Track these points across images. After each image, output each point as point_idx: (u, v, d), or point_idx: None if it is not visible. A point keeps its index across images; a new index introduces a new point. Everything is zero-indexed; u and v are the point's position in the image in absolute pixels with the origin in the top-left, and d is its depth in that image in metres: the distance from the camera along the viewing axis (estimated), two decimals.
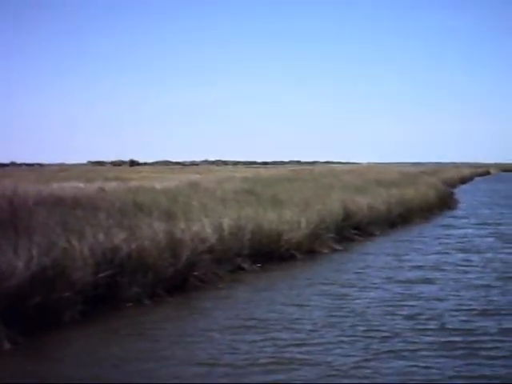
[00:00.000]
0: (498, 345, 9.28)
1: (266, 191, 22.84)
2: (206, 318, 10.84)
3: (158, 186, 27.51)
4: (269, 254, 16.03)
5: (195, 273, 13.16)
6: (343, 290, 13.00)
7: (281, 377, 7.95)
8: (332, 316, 10.92)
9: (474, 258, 17.15)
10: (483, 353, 8.93)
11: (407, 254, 17.76)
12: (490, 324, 10.35)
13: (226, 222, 15.28)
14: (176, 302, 11.95)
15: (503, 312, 11.15)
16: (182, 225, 14.20)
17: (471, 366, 8.38)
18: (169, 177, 40.98)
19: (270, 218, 16.82)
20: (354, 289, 13.21)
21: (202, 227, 14.49)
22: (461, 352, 8.95)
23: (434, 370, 8.23)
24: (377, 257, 17.32)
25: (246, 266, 14.87)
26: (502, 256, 17.41)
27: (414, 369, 8.28)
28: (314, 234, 17.52)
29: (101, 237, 11.96)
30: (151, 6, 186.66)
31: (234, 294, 12.74)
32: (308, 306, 11.71)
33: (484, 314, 11.04)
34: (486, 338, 9.62)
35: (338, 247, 18.13)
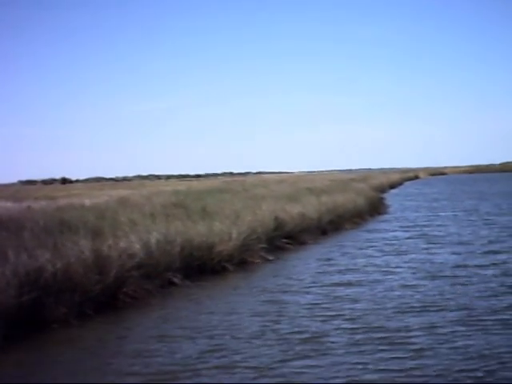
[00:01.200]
0: (418, 340, 9.67)
1: (196, 204, 22.70)
2: (134, 335, 10.63)
3: (87, 202, 27.21)
4: (200, 267, 15.88)
5: (124, 289, 12.92)
6: (272, 297, 13.17)
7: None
8: (261, 321, 11.16)
9: (400, 259, 17.72)
10: (405, 347, 9.34)
11: (336, 259, 17.98)
12: (411, 320, 10.81)
13: (155, 237, 15.08)
14: (104, 320, 11.65)
15: (424, 309, 11.61)
16: (110, 241, 13.95)
17: (392, 361, 8.77)
18: (100, 193, 40.54)
19: (200, 231, 16.69)
20: (283, 294, 13.38)
21: (130, 243, 14.26)
22: (382, 348, 9.34)
23: (357, 366, 8.60)
24: (307, 264, 17.39)
25: (176, 280, 14.66)
26: (426, 256, 18.02)
27: (336, 366, 8.62)
28: (245, 245, 17.44)
29: (24, 257, 11.62)
30: None
31: (164, 309, 12.53)
32: (238, 313, 11.82)
33: (406, 311, 11.46)
34: (406, 334, 10.03)
35: (269, 257, 18.08)
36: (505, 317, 10.84)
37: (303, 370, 8.55)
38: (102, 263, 12.80)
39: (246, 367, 8.74)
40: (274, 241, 19.81)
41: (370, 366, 8.59)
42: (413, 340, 9.69)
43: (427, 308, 11.67)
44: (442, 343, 9.46)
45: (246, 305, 12.59)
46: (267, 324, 10.97)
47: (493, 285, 13.52)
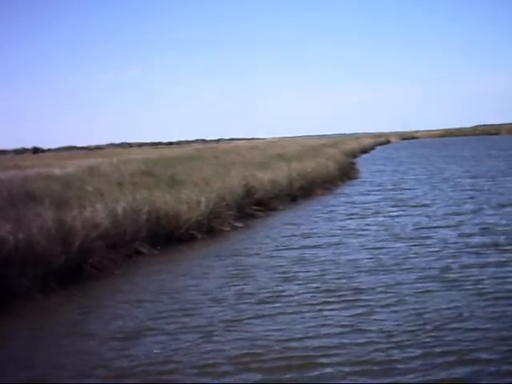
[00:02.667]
0: (373, 297, 9.99)
1: (165, 171, 22.44)
2: (98, 308, 10.44)
3: (57, 172, 26.77)
4: (168, 235, 15.66)
5: (89, 260, 12.68)
6: (239, 261, 13.28)
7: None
8: (226, 284, 11.37)
9: (366, 222, 18.01)
10: (357, 304, 9.69)
11: (304, 224, 17.99)
12: (371, 279, 11.10)
13: (121, 206, 14.82)
14: (68, 293, 11.39)
15: (387, 269, 11.83)
16: (75, 211, 13.68)
17: (349, 318, 9.02)
18: (71, 162, 39.96)
19: (168, 199, 16.45)
20: (248, 259, 13.44)
21: (96, 213, 14.01)
22: (343, 305, 9.64)
23: (310, 324, 8.86)
24: (275, 230, 17.31)
25: (144, 249, 14.45)
26: (390, 219, 18.27)
27: (291, 325, 8.81)
28: (214, 212, 17.24)
29: None
30: None
31: (131, 279, 12.34)
32: (206, 278, 11.97)
33: (370, 271, 11.74)
34: (362, 292, 10.30)
35: (239, 224, 17.90)
36: (454, 276, 11.04)
37: (258, 327, 8.83)
38: (66, 234, 12.52)
39: (198, 326, 9.00)
40: (244, 208, 19.63)
41: (325, 322, 8.88)
42: (368, 298, 9.96)
43: (385, 268, 11.91)
44: (395, 302, 9.65)
45: (211, 270, 12.60)
46: (229, 287, 11.10)
47: (451, 245, 13.73)
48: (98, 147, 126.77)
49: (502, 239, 14.05)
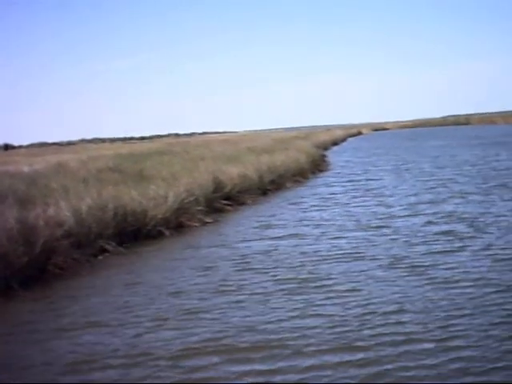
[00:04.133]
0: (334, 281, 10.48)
1: (133, 167, 22.23)
2: (60, 310, 10.21)
3: (26, 169, 26.38)
4: (135, 232, 15.42)
5: (53, 260, 12.41)
6: (208, 255, 13.34)
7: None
8: (188, 278, 11.43)
9: (334, 212, 18.35)
10: (320, 290, 10.03)
11: (272, 217, 18.05)
12: (329, 266, 11.51)
13: (86, 203, 14.57)
14: (31, 294, 11.11)
15: (347, 258, 12.17)
16: (38, 210, 13.40)
17: (315, 307, 9.24)
18: (41, 159, 39.47)
19: (135, 195, 16.20)
20: (215, 252, 13.53)
21: (60, 211, 13.74)
22: (306, 293, 9.92)
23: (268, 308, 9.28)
24: (243, 223, 17.23)
25: (109, 247, 14.20)
26: (358, 209, 18.62)
27: (247, 318, 8.95)
28: (182, 208, 17.02)
29: None
30: None
31: (95, 278, 12.11)
32: (168, 271, 12.03)
33: (330, 259, 12.08)
34: (327, 279, 10.63)
35: (208, 220, 17.70)
36: (414, 263, 11.41)
37: (219, 315, 9.12)
38: (29, 233, 12.24)
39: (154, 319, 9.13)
40: (213, 203, 19.43)
41: (292, 307, 9.22)
42: (335, 284, 10.30)
43: (350, 256, 12.26)
44: (359, 289, 9.93)
45: (177, 266, 12.53)
46: (194, 284, 11.03)
47: (413, 234, 14.12)
48: (70, 143, 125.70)
49: (460, 227, 14.51)
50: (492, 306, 8.66)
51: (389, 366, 6.94)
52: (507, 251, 11.76)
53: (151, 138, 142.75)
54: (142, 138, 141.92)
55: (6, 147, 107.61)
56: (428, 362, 7.00)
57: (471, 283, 9.82)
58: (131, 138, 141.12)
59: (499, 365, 6.80)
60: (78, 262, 12.85)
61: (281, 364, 7.21)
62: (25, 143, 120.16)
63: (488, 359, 6.95)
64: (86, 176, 19.02)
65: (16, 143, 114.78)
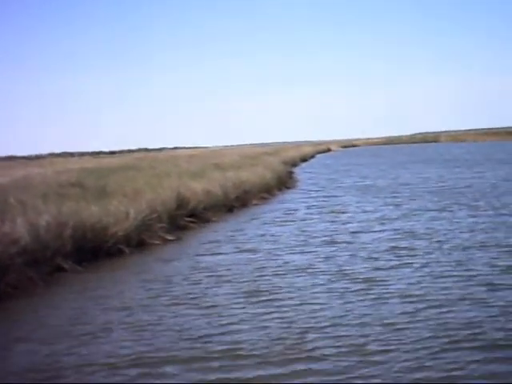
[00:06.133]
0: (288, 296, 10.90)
1: (97, 182, 21.83)
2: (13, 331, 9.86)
3: None
4: (94, 250, 15.05)
5: (6, 279, 12.00)
6: (165, 276, 13.10)
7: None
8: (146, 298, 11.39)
9: (295, 226, 19.10)
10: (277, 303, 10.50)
11: (237, 234, 18.09)
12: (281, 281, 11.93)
13: (44, 219, 14.19)
14: None
15: (306, 270, 12.76)
16: None
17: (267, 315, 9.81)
18: (6, 173, 38.79)
19: (95, 211, 15.84)
20: (178, 275, 13.16)
21: (15, 227, 13.35)
22: (263, 306, 10.32)
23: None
24: (205, 242, 17.00)
25: (66, 266, 13.82)
26: (322, 225, 19.10)
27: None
28: (144, 225, 16.69)
29: None
30: None
31: (47, 299, 11.73)
32: (127, 301, 11.29)
33: (291, 272, 12.68)
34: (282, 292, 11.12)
35: (170, 237, 17.37)
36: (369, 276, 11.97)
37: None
38: None
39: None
40: (177, 220, 19.13)
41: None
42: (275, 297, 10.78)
43: (306, 270, 12.75)
44: (305, 302, 10.37)
45: (132, 286, 12.38)
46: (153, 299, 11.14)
47: (372, 249, 14.62)
48: (39, 157, 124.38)
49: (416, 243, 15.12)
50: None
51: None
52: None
53: (121, 152, 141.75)
54: (112, 153, 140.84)
55: None
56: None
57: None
58: (100, 153, 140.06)
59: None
60: (31, 280, 12.44)
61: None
62: None
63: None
64: (47, 191, 18.61)
65: None
